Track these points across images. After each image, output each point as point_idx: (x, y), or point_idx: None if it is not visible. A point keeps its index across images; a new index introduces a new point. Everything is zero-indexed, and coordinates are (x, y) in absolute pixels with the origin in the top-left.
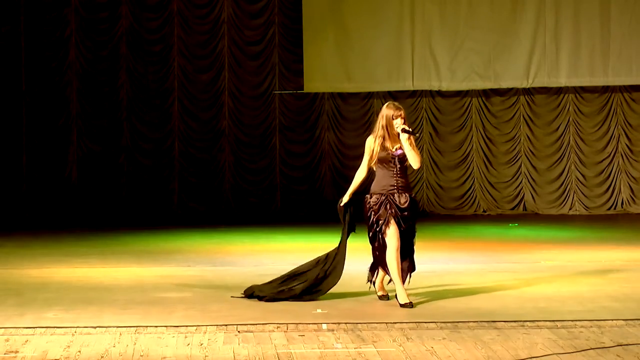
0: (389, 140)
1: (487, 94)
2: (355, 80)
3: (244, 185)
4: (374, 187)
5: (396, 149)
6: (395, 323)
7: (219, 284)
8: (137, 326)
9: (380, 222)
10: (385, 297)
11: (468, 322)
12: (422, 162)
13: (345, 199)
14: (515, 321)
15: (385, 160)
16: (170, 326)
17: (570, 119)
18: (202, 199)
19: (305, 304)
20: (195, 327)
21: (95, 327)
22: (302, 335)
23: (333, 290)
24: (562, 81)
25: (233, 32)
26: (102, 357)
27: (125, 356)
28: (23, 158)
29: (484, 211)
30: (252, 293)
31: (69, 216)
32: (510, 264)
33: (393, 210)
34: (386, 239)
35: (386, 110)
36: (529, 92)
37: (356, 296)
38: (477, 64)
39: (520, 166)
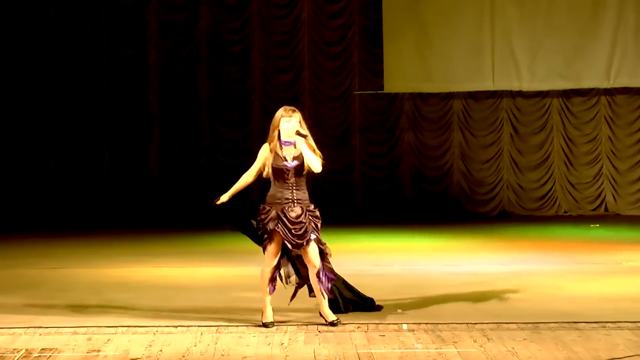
0: (284, 148)
1: (567, 94)
2: (435, 80)
3: (324, 186)
4: (268, 198)
5: (292, 159)
6: (476, 324)
7: None
8: (218, 325)
9: (265, 236)
10: (271, 325)
11: (549, 322)
12: (324, 165)
13: (224, 198)
14: (596, 322)
15: (280, 171)
16: (251, 325)
17: None
18: None
19: (386, 305)
20: (276, 327)
21: (176, 327)
22: (382, 336)
23: (413, 291)
24: None
25: (313, 33)
26: (183, 356)
27: (206, 355)
28: (105, 158)
29: (565, 212)
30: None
31: (149, 216)
32: (591, 265)
33: (280, 227)
34: (265, 254)
35: (277, 114)
36: (610, 92)
37: (437, 296)
38: (557, 64)
39: (602, 167)
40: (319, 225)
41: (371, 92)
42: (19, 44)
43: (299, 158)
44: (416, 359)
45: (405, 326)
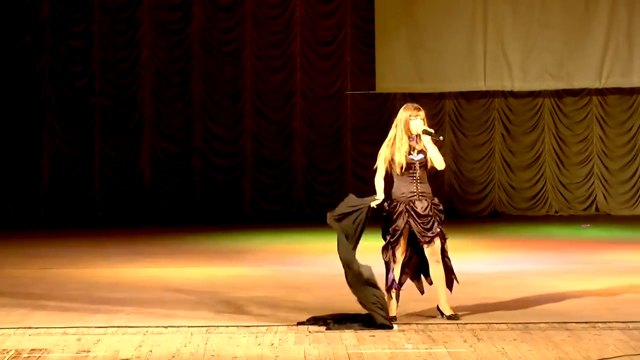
0: (409, 144)
1: (559, 94)
2: (427, 80)
3: (315, 185)
4: (394, 193)
5: (417, 153)
6: (467, 324)
7: (290, 284)
8: (208, 326)
9: (397, 232)
10: (393, 319)
11: (539, 323)
12: (445, 163)
13: (380, 198)
14: (586, 322)
15: (407, 165)
16: (242, 326)
17: None
18: (274, 199)
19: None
20: (266, 327)
21: (166, 327)
22: (372, 336)
23: (404, 290)
24: (635, 81)
25: (305, 33)
26: (173, 356)
27: (196, 356)
28: (96, 158)
29: (556, 212)
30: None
31: (141, 215)
32: (582, 265)
33: (411, 221)
34: (395, 251)
35: (403, 113)
36: (601, 92)
37: (427, 296)
38: (549, 64)
39: (593, 167)
40: (443, 219)
41: (363, 92)
42: (9, 43)
43: (423, 152)
44: (406, 359)
45: (395, 326)
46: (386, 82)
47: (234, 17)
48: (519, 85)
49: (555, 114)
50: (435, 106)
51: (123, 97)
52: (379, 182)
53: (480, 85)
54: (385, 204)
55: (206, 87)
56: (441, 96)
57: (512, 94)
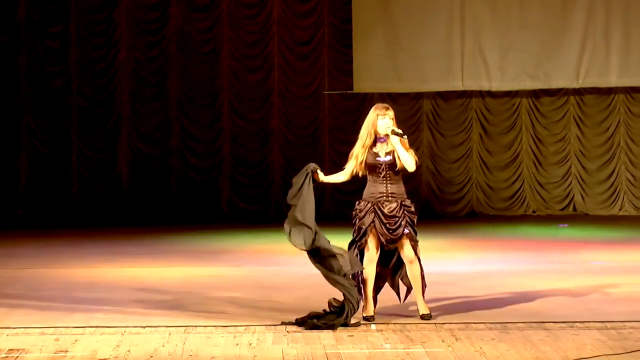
0: (378, 145)
1: (536, 94)
2: (405, 80)
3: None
4: (364, 193)
5: (385, 154)
6: (444, 324)
7: (268, 284)
8: (186, 326)
9: (362, 229)
10: (371, 319)
11: (517, 322)
12: (418, 164)
13: (321, 176)
14: (564, 322)
15: (374, 166)
16: (220, 326)
17: (621, 119)
18: (252, 199)
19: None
20: (244, 327)
21: (144, 327)
22: (350, 336)
23: (382, 291)
24: (613, 81)
25: (283, 32)
26: (151, 356)
27: (174, 356)
28: (73, 158)
29: (534, 212)
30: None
31: (118, 215)
32: (560, 265)
33: (377, 221)
34: (364, 249)
35: (372, 112)
36: (579, 92)
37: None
38: (527, 64)
39: (570, 167)
40: (415, 220)
41: (340, 92)
42: None
43: (392, 153)
44: (384, 359)
45: (373, 326)
46: (364, 81)
47: (211, 17)
48: (496, 85)
49: (532, 113)
50: (412, 106)
51: (100, 97)
52: (338, 175)
53: (458, 85)
54: (356, 203)
55: (184, 87)
56: (419, 96)
57: (490, 94)
